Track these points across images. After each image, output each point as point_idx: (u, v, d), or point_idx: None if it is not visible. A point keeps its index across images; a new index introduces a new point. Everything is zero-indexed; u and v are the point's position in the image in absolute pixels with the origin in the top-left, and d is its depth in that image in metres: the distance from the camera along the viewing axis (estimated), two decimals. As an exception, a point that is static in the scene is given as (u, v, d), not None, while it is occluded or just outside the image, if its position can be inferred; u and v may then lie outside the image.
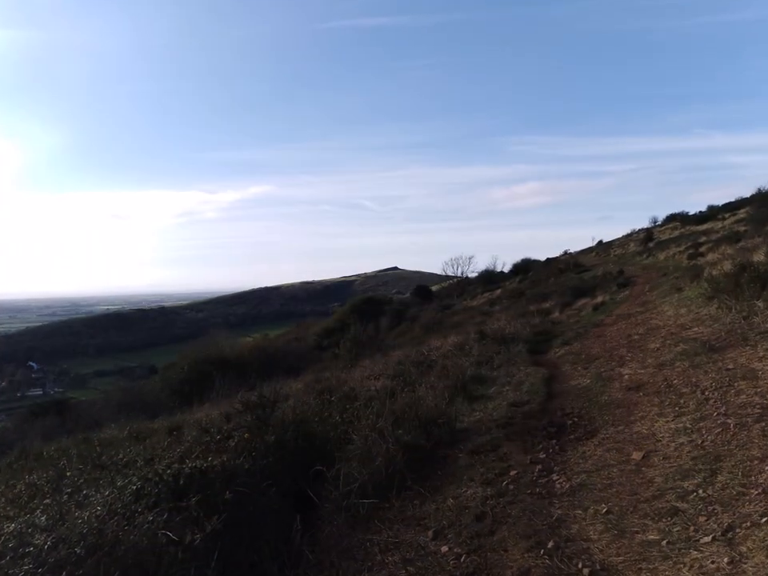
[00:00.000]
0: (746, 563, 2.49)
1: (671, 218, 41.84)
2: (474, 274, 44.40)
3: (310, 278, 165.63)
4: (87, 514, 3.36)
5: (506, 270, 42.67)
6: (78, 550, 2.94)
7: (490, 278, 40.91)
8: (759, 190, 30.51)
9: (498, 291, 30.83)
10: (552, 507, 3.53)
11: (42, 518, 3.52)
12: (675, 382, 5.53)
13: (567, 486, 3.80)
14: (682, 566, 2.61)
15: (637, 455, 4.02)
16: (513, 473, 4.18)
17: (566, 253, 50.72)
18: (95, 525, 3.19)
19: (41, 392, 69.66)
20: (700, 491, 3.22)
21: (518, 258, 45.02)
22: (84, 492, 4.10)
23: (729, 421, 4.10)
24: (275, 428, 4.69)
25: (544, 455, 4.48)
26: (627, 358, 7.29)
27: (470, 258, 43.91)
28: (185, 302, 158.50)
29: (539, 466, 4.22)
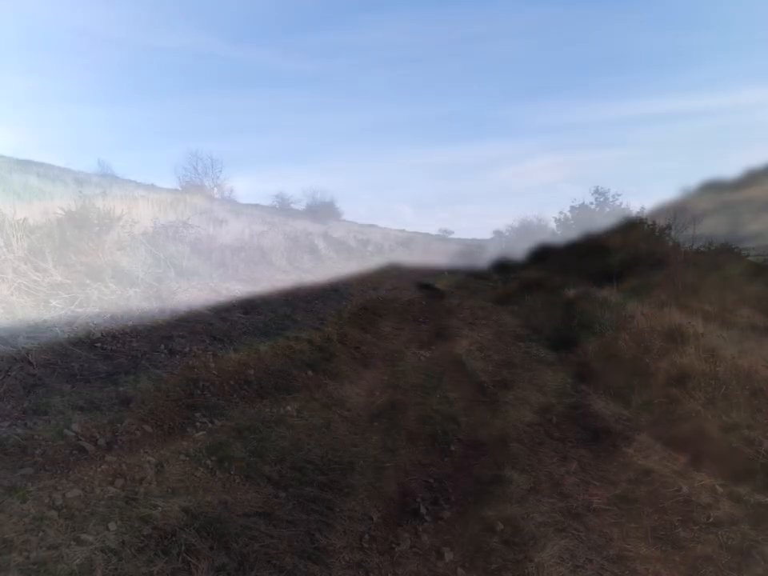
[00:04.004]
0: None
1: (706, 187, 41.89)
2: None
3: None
4: None
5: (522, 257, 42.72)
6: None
7: (503, 267, 40.96)
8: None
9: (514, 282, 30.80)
10: (591, 524, 3.51)
11: None
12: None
13: (606, 499, 3.78)
14: (744, 581, 2.59)
15: (683, 458, 4.00)
16: (543, 488, 4.16)
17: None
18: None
19: None
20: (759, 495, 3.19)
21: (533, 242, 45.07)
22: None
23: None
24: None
25: (578, 465, 4.47)
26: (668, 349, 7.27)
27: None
28: None
29: (573, 478, 4.21)
